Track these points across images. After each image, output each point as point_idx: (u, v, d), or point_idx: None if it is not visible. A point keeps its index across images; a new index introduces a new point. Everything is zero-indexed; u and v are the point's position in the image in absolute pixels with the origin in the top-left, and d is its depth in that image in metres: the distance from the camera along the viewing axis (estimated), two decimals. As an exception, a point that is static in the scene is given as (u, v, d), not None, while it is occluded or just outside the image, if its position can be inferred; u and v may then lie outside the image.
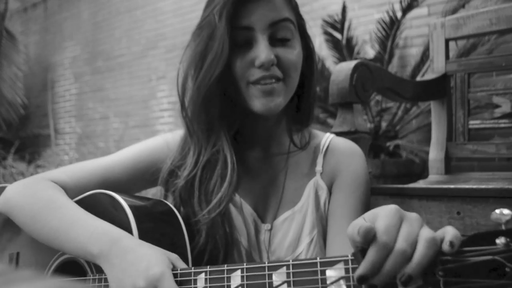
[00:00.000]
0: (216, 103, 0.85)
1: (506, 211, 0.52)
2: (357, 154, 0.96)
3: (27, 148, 6.41)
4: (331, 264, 0.60)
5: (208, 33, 0.84)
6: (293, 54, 0.86)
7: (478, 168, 2.62)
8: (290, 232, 0.89)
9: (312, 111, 0.96)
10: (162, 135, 1.00)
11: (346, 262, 0.60)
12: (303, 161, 0.95)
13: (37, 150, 6.53)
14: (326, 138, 0.98)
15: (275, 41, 0.85)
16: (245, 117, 0.91)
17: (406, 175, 2.83)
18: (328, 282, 0.60)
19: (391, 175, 2.88)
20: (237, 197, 0.91)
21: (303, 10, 0.92)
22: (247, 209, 0.91)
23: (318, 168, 0.94)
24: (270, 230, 0.90)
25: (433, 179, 1.54)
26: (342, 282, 0.59)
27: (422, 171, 2.89)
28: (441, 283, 0.51)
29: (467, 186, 1.13)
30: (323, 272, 0.61)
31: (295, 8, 0.90)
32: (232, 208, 0.90)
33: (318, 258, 0.62)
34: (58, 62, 6.87)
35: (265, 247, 0.89)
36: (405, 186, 1.28)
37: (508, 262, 0.49)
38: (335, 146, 0.96)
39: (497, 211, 0.52)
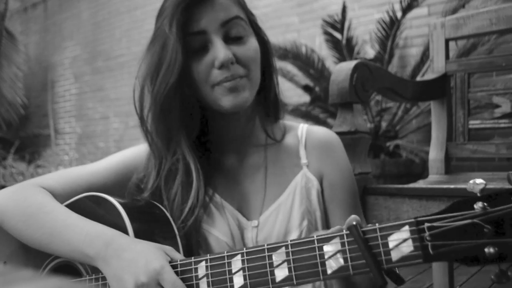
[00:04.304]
0: (175, 112, 0.86)
1: (478, 180, 0.58)
2: (338, 145, 0.98)
3: (27, 148, 6.41)
4: (327, 240, 0.64)
5: (161, 44, 0.85)
6: (250, 49, 0.87)
7: (478, 168, 2.63)
8: (276, 225, 0.89)
9: (279, 102, 0.97)
10: (145, 144, 1.00)
11: (341, 237, 0.64)
12: (283, 153, 0.96)
13: (37, 150, 6.53)
14: (301, 128, 0.99)
15: (230, 40, 0.86)
16: (215, 119, 0.92)
17: (406, 175, 2.84)
18: (326, 257, 0.64)
19: (391, 175, 2.89)
20: (218, 198, 0.91)
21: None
22: (229, 209, 0.91)
23: (304, 160, 0.94)
24: (257, 226, 0.90)
25: (433, 179, 1.54)
26: (339, 255, 0.63)
27: (422, 171, 2.89)
28: (429, 246, 0.58)
29: (467, 186, 1.13)
30: (320, 248, 0.64)
31: (243, 5, 0.91)
32: (214, 210, 0.90)
33: (315, 236, 0.65)
34: (58, 62, 6.88)
35: (253, 244, 0.89)
36: (405, 186, 1.28)
37: (485, 223, 0.55)
38: (314, 137, 0.97)
39: (471, 181, 0.59)
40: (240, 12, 0.88)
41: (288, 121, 1.03)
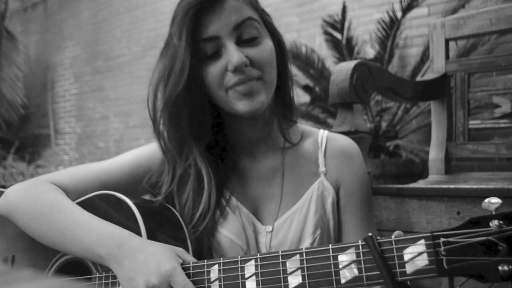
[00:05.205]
0: (185, 118, 0.87)
1: (494, 199, 0.59)
2: (357, 154, 0.97)
3: (27, 148, 6.41)
4: (343, 249, 0.65)
5: (171, 53, 0.85)
6: (265, 51, 0.86)
7: (478, 168, 2.62)
8: (291, 232, 0.89)
9: (293, 104, 0.97)
10: None
11: (357, 247, 0.64)
12: (301, 159, 0.95)
13: (37, 150, 6.53)
14: (321, 135, 0.98)
15: (244, 42, 0.85)
16: (232, 122, 0.93)
17: (406, 175, 2.83)
18: (340, 266, 0.64)
19: (391, 175, 2.88)
20: (234, 201, 0.92)
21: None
22: (245, 212, 0.91)
23: (322, 168, 0.93)
24: (271, 231, 0.89)
25: (433, 179, 1.54)
26: (353, 265, 0.63)
27: (422, 171, 2.88)
28: (444, 261, 0.58)
29: (467, 186, 1.13)
30: (335, 257, 0.64)
31: (255, 5, 0.89)
32: (230, 213, 0.90)
33: (330, 245, 0.65)
34: (58, 62, 6.87)
35: (266, 249, 0.89)
36: (405, 186, 1.28)
37: (500, 241, 0.56)
38: (334, 145, 0.96)
39: (486, 200, 0.59)
40: (253, 13, 0.87)
41: (306, 125, 1.02)
